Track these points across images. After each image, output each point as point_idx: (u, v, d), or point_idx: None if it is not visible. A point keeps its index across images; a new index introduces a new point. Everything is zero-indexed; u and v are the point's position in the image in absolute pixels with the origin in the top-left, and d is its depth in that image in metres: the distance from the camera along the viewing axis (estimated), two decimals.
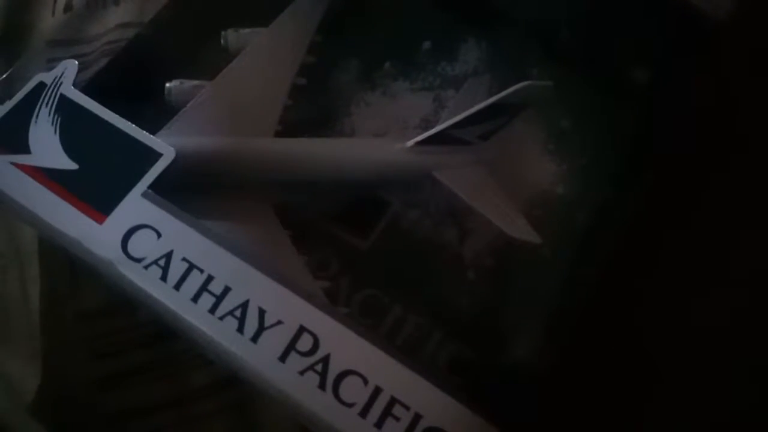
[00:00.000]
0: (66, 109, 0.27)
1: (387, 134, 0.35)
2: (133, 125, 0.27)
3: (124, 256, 0.24)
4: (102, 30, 0.40)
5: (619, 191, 0.31)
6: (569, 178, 0.33)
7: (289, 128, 0.33)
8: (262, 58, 0.34)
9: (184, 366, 0.31)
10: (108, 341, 0.32)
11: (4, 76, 0.31)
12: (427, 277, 0.32)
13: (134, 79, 0.33)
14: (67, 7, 0.40)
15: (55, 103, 0.27)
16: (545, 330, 0.29)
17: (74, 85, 0.28)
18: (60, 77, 0.28)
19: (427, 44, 0.37)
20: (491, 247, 0.31)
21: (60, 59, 0.39)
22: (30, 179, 0.26)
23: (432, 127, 0.33)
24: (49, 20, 0.40)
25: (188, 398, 0.30)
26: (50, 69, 0.37)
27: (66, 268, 0.33)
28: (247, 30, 0.35)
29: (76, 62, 0.29)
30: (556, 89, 0.32)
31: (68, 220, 0.25)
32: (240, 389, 0.30)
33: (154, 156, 0.26)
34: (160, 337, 0.31)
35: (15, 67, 0.35)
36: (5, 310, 0.33)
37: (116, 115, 0.27)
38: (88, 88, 0.29)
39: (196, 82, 0.33)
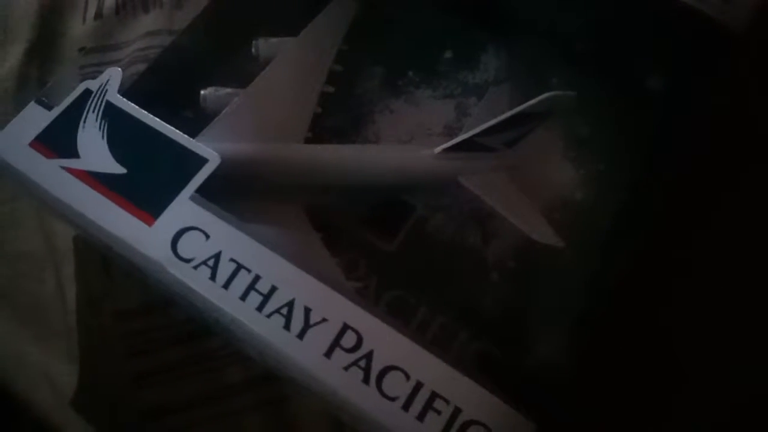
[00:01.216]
0: (112, 115, 0.28)
1: (411, 140, 0.36)
2: (179, 131, 0.28)
3: (173, 256, 0.25)
4: (132, 37, 0.41)
5: (637, 196, 0.33)
6: (588, 183, 0.34)
7: (318, 134, 0.34)
8: (293, 67, 0.35)
9: (219, 363, 0.32)
10: (143, 339, 0.33)
11: (49, 85, 0.33)
12: (452, 278, 0.33)
13: (170, 86, 0.34)
14: (98, 15, 0.42)
15: (101, 109, 0.29)
16: (568, 330, 0.30)
17: None
18: (105, 84, 0.29)
19: (448, 53, 0.38)
20: (514, 250, 0.33)
21: (92, 65, 0.40)
22: (80, 182, 0.27)
23: (455, 134, 0.35)
24: (80, 27, 0.41)
25: (223, 394, 0.31)
26: (83, 75, 0.38)
27: (101, 268, 0.34)
28: (277, 39, 0.36)
29: (120, 70, 0.30)
30: (576, 98, 0.33)
31: (118, 222, 0.26)
32: (275, 386, 0.31)
33: (200, 161, 0.27)
34: (195, 334, 0.32)
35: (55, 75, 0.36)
36: (43, 310, 0.34)
37: (161, 122, 0.28)
38: (126, 94, 0.30)
39: (229, 90, 0.34)
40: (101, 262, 0.34)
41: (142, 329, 0.33)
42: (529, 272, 0.32)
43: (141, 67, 0.38)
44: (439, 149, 0.32)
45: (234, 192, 0.28)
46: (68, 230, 0.35)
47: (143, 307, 0.33)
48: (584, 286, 0.31)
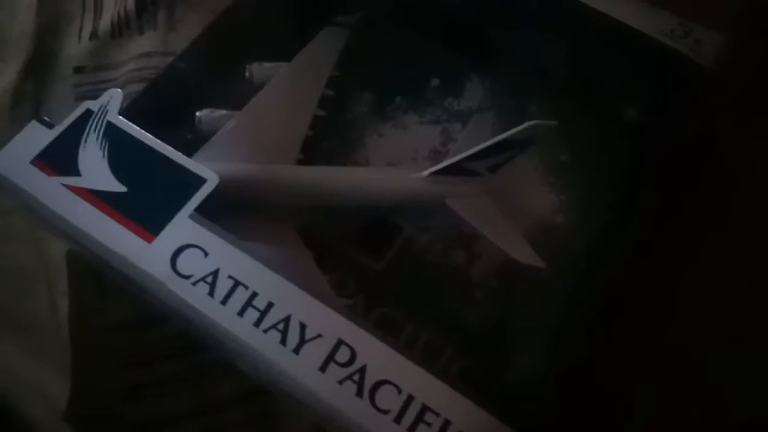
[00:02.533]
0: (113, 135, 0.29)
1: (399, 163, 0.37)
2: (178, 152, 0.29)
3: (173, 273, 0.26)
4: (126, 58, 0.42)
5: (614, 219, 0.34)
6: (568, 207, 0.36)
7: (310, 157, 0.35)
8: (285, 91, 0.37)
9: (210, 377, 0.32)
10: (135, 353, 0.33)
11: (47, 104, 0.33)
12: (437, 297, 0.34)
13: (166, 107, 0.35)
14: (93, 35, 0.42)
15: (102, 129, 0.29)
16: (548, 346, 0.31)
17: None
18: (106, 105, 0.30)
19: (435, 81, 0.40)
20: (497, 270, 0.34)
21: (87, 84, 0.41)
22: (81, 200, 0.28)
23: (440, 158, 0.36)
24: (76, 47, 0.42)
25: (215, 408, 0.32)
26: (78, 94, 0.39)
27: (93, 282, 0.35)
28: (271, 64, 0.38)
29: (121, 91, 0.31)
30: (557, 126, 0.35)
31: (119, 239, 0.27)
32: (265, 401, 0.32)
33: (200, 181, 0.28)
34: (188, 349, 0.33)
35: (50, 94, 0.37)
36: (35, 324, 0.34)
37: (161, 142, 0.29)
38: (124, 114, 0.31)
39: (224, 112, 0.35)
40: (94, 277, 0.35)
41: (135, 343, 0.33)
42: (511, 291, 0.34)
43: (136, 87, 0.39)
44: (427, 173, 0.34)
45: (230, 211, 0.29)
46: (61, 245, 0.36)
47: (136, 322, 0.34)
48: (563, 305, 0.32)
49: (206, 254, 0.27)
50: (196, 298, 0.26)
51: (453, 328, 0.33)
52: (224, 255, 0.27)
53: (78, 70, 0.41)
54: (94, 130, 0.30)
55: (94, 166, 0.29)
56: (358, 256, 0.34)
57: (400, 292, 0.34)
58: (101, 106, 0.30)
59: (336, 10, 0.40)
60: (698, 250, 0.34)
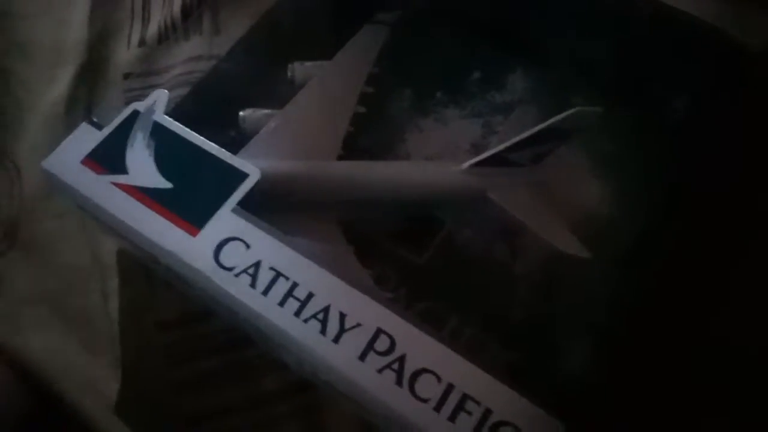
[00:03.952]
0: (159, 135, 0.30)
1: (440, 158, 0.37)
2: (221, 148, 0.29)
3: (216, 265, 0.27)
4: (173, 62, 0.43)
5: (662, 212, 0.33)
6: (614, 199, 0.35)
7: (350, 153, 0.36)
8: (326, 89, 0.37)
9: (257, 371, 0.33)
10: (184, 348, 0.34)
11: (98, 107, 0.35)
12: (480, 291, 0.34)
13: (211, 108, 0.36)
14: (141, 42, 0.44)
15: (149, 128, 0.30)
16: (593, 340, 0.30)
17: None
18: (152, 105, 0.31)
19: (476, 74, 0.40)
20: (541, 263, 0.33)
21: (136, 89, 0.43)
22: (129, 197, 0.29)
23: (482, 151, 0.36)
24: (125, 53, 0.44)
25: (262, 401, 0.32)
26: (128, 98, 0.41)
27: (143, 279, 0.36)
28: (312, 63, 0.38)
29: (167, 92, 0.32)
30: (602, 116, 0.34)
31: (164, 233, 0.28)
32: (310, 394, 0.32)
33: (242, 176, 0.29)
34: (234, 344, 0.33)
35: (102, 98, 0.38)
36: (89, 320, 0.36)
37: (205, 140, 0.30)
38: (171, 115, 0.32)
39: (267, 111, 0.36)
40: (144, 274, 0.36)
41: (183, 339, 0.34)
42: (556, 283, 0.33)
43: (183, 90, 0.40)
44: (467, 164, 0.34)
45: (272, 205, 0.30)
46: (113, 245, 0.37)
47: (184, 318, 0.34)
48: (610, 296, 0.31)
49: (248, 246, 0.27)
50: (238, 289, 0.26)
51: (497, 321, 0.33)
52: (265, 247, 0.27)
53: (127, 75, 0.43)
54: (141, 130, 0.30)
55: (141, 164, 0.29)
56: (399, 250, 0.34)
57: (443, 286, 0.34)
58: (148, 107, 0.31)
59: (376, 8, 0.41)
60: (747, 246, 0.33)
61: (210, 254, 0.27)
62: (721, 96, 0.33)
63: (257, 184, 0.29)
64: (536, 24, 0.39)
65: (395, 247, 0.34)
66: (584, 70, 0.38)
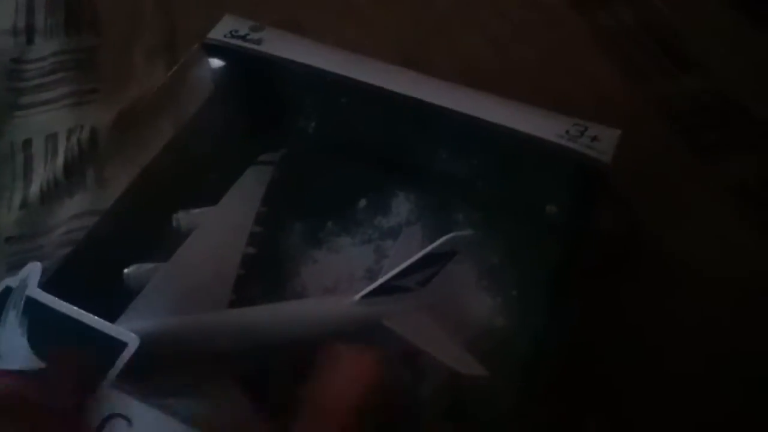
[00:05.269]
0: (33, 310, 0.29)
1: (336, 287, 0.38)
2: (97, 318, 0.28)
3: None
4: (57, 222, 0.42)
5: (553, 313, 0.34)
6: (506, 309, 0.36)
7: (242, 296, 0.35)
8: (213, 235, 0.37)
9: None
10: None
11: None
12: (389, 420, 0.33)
13: (94, 269, 0.35)
14: (23, 204, 0.43)
15: (21, 305, 0.29)
16: None
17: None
18: (25, 280, 0.30)
19: (362, 202, 0.41)
20: (444, 385, 0.33)
21: (18, 253, 0.41)
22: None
23: (376, 276, 0.36)
24: (5, 217, 0.42)
25: None
26: (10, 264, 0.39)
27: None
28: (197, 210, 0.38)
29: (40, 264, 0.31)
30: (481, 229, 0.36)
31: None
32: None
33: (120, 345, 0.28)
34: None
35: None
36: None
37: (81, 310, 0.29)
38: (51, 281, 0.31)
39: (151, 265, 0.35)
40: None
41: None
42: (461, 404, 0.33)
43: (67, 250, 0.39)
44: (357, 296, 0.34)
45: (158, 369, 0.29)
46: None
47: None
48: (514, 412, 0.32)
49: (130, 423, 0.26)
50: None
51: None
52: (148, 422, 0.26)
53: (9, 240, 0.42)
54: (14, 308, 0.29)
55: (14, 346, 0.28)
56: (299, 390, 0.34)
57: None
58: (21, 282, 0.30)
59: (259, 151, 0.42)
60: (641, 339, 0.34)
61: None
62: (586, 202, 0.35)
63: (139, 349, 0.28)
64: (413, 149, 0.41)
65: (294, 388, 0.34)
66: (462, 189, 0.40)
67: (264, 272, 0.37)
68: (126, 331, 0.28)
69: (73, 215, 0.42)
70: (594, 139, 0.32)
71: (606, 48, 0.55)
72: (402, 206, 0.41)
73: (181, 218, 0.38)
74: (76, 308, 0.29)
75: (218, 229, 0.37)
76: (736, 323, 0.37)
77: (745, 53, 0.54)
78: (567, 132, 0.32)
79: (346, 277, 0.38)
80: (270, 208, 0.39)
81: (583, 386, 0.33)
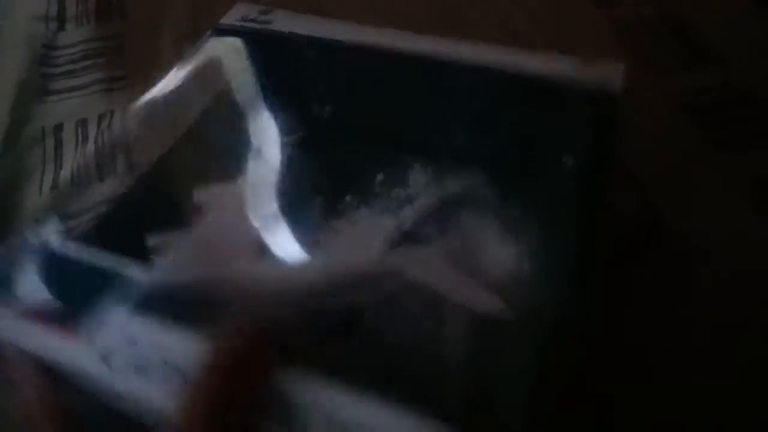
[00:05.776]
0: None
1: (356, 254, 0.37)
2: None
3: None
4: (88, 205, 0.43)
5: (578, 265, 0.34)
6: (529, 257, 0.35)
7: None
8: (235, 206, 0.38)
9: None
10: None
11: None
12: (415, 369, 0.32)
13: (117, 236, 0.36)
14: (54, 186, 0.44)
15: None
16: (525, 397, 0.29)
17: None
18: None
19: (380, 176, 0.41)
20: (468, 329, 0.33)
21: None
22: None
23: (396, 245, 0.36)
24: (36, 199, 0.44)
25: None
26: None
27: None
28: (217, 186, 0.39)
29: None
30: (501, 184, 0.36)
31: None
32: None
33: None
34: None
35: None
36: None
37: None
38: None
39: (175, 234, 0.36)
40: None
41: None
42: (486, 348, 0.32)
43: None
44: (377, 249, 0.34)
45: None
46: None
47: None
48: (536, 355, 0.31)
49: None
50: None
51: (431, 394, 0.31)
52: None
53: (39, 221, 0.43)
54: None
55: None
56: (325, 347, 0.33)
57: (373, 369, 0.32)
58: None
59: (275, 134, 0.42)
60: (670, 293, 0.33)
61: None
62: (602, 143, 0.34)
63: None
64: (428, 121, 0.42)
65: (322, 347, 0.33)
66: (478, 148, 0.40)
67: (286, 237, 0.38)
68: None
69: (104, 200, 0.43)
70: (600, 73, 0.32)
71: (624, 41, 0.55)
72: (419, 177, 0.41)
73: (202, 195, 0.38)
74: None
75: (239, 204, 0.38)
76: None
77: (765, 47, 0.54)
78: (574, 68, 0.32)
79: (365, 245, 0.38)
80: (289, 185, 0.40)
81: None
